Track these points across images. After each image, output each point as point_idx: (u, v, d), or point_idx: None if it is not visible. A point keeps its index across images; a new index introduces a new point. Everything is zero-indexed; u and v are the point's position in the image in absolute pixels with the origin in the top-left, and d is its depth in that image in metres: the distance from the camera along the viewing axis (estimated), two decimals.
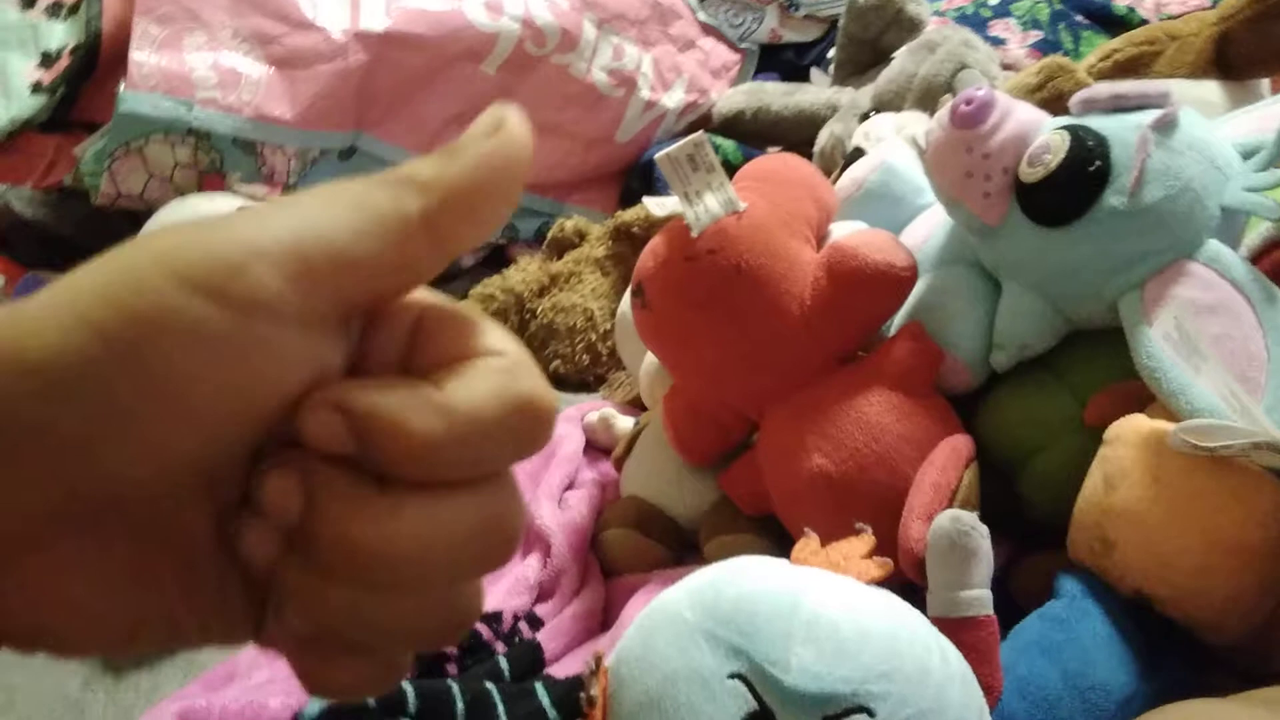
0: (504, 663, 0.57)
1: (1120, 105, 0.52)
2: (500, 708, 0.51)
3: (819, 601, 0.34)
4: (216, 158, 0.90)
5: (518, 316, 1.00)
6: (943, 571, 0.41)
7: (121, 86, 0.85)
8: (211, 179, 0.91)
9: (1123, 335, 0.49)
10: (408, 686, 0.51)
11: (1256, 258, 0.51)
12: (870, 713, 0.32)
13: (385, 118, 1.01)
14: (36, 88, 0.97)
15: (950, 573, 0.41)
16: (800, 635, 0.33)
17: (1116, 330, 0.49)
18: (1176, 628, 0.43)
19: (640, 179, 1.20)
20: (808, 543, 0.40)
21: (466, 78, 1.04)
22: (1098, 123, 0.51)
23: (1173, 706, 0.35)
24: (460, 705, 0.51)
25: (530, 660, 0.58)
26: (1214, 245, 0.48)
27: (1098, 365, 0.52)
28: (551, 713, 0.52)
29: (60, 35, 1.00)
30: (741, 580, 0.36)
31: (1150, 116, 0.49)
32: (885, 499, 0.51)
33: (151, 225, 0.84)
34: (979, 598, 0.40)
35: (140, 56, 0.86)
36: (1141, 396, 0.47)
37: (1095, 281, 0.50)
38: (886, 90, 0.97)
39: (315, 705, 0.52)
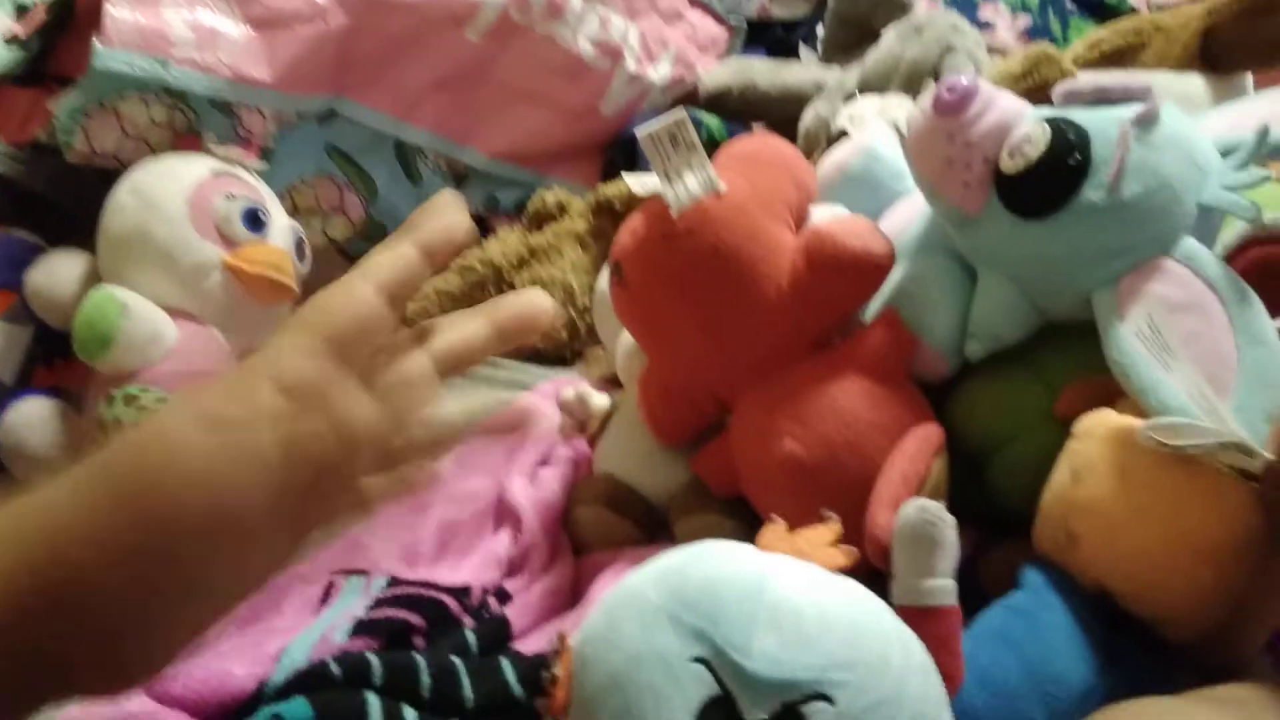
0: (471, 637, 0.57)
1: (1102, 98, 0.52)
2: (465, 681, 0.52)
3: (783, 588, 0.35)
4: (192, 118, 0.88)
5: (496, 289, 0.99)
6: (908, 560, 0.41)
7: (96, 42, 0.83)
8: (187, 139, 0.89)
9: (1096, 329, 0.49)
10: (373, 658, 0.51)
11: (1231, 257, 0.51)
12: (830, 700, 0.32)
13: (365, 82, 1.00)
14: (11, 41, 0.95)
15: (915, 562, 0.41)
16: (763, 621, 0.34)
17: (1090, 324, 0.50)
18: (1137, 622, 0.44)
19: (623, 153, 1.19)
20: (774, 528, 0.40)
21: (449, 43, 1.03)
22: (1079, 115, 0.51)
23: (1127, 704, 0.35)
24: (426, 678, 0.51)
25: (497, 635, 0.58)
26: (1190, 243, 0.48)
27: (1070, 358, 0.52)
28: (516, 688, 0.52)
29: None
30: (707, 564, 0.37)
31: (1132, 111, 0.49)
32: (855, 485, 0.51)
33: (125, 186, 0.82)
34: (943, 587, 0.41)
35: (116, 12, 0.84)
36: (1112, 391, 0.48)
37: (1070, 274, 0.50)
38: (873, 72, 0.97)
39: (280, 674, 0.52)
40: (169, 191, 0.80)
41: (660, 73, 1.20)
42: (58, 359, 0.83)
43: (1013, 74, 0.77)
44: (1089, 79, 0.54)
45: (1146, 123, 0.49)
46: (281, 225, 0.86)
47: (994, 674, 0.41)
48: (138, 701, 0.50)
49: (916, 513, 0.41)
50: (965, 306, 0.55)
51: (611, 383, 0.81)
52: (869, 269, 0.55)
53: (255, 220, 0.82)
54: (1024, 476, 0.50)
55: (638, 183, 0.61)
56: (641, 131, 0.57)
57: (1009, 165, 0.51)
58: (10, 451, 0.79)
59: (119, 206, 0.81)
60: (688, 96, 1.22)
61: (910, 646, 0.35)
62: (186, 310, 0.78)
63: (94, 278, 0.81)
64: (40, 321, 0.82)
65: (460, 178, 1.12)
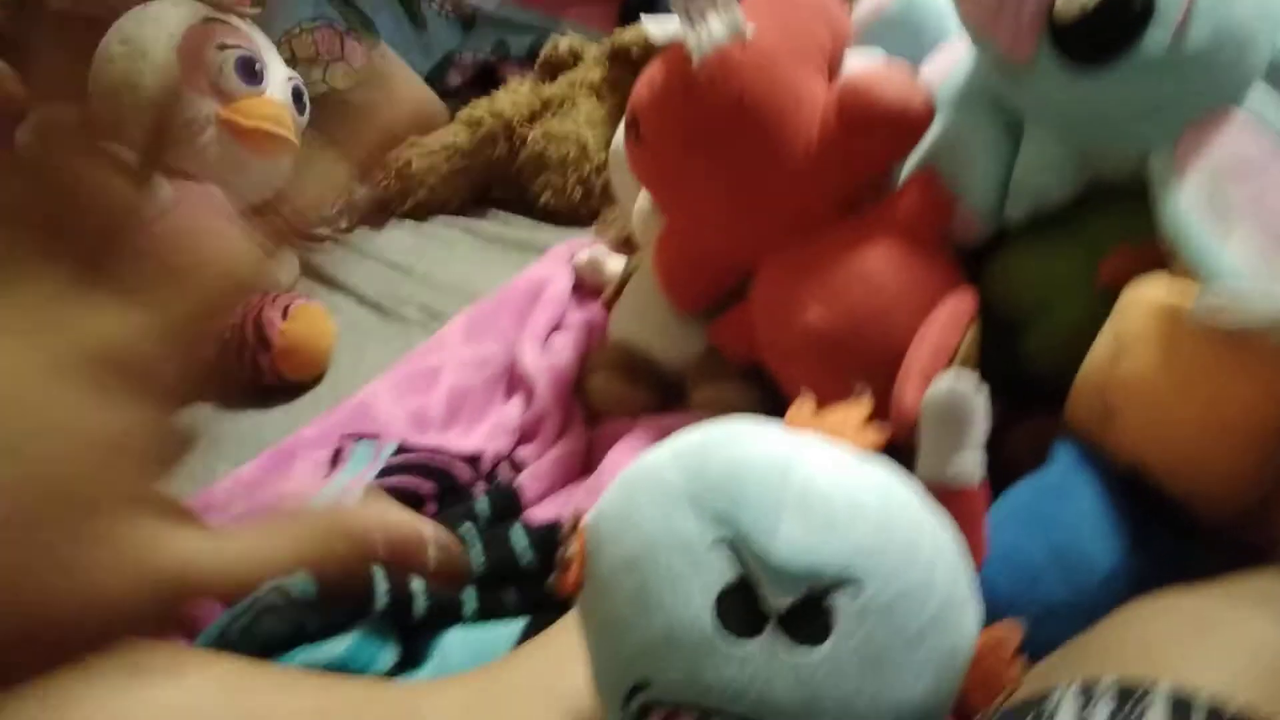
0: (483, 504, 0.56)
1: None
2: (475, 550, 0.51)
3: (811, 472, 0.33)
4: None
5: (506, 144, 0.95)
6: (937, 436, 0.39)
7: None
8: None
9: (1146, 194, 0.45)
10: None
11: None
12: (857, 588, 0.31)
13: None
14: None
15: (944, 438, 0.39)
16: (790, 506, 0.32)
17: (1140, 186, 0.46)
18: (1167, 501, 0.42)
19: None
20: (803, 406, 0.38)
21: None
22: None
23: (1160, 597, 0.34)
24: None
25: (508, 504, 0.57)
26: (1259, 96, 0.44)
27: (1117, 222, 0.49)
28: (528, 556, 0.51)
29: None
30: (731, 446, 0.34)
31: None
32: (881, 357, 0.49)
33: (114, 35, 0.78)
34: (971, 464, 0.39)
35: None
36: (1160, 260, 0.45)
37: (1126, 129, 0.46)
38: None
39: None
40: (158, 40, 0.76)
41: None
42: None
43: None
44: None
45: None
46: (279, 76, 0.82)
47: (1018, 553, 0.40)
48: None
49: (949, 387, 0.39)
50: (1007, 165, 0.51)
51: (628, 245, 0.78)
52: (906, 125, 0.51)
53: (250, 71, 0.78)
54: (1061, 346, 0.48)
55: (657, 27, 0.56)
56: None
57: (1064, 8, 0.46)
58: None
59: (108, 56, 0.77)
60: None
61: (939, 533, 0.34)
62: (180, 167, 0.75)
63: None
64: None
65: (468, 22, 1.06)
